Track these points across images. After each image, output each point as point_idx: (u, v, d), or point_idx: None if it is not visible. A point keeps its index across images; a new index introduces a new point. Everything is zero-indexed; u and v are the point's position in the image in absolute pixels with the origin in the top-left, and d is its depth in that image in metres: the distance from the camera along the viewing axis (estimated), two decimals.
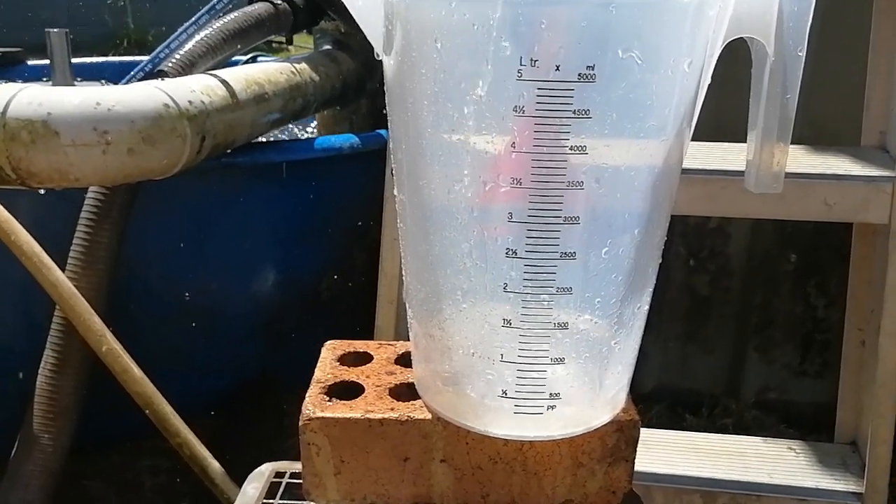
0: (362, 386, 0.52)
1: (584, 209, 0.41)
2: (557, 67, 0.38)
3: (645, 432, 0.49)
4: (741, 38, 0.43)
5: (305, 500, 0.51)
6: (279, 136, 1.83)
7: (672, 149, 0.42)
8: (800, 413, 1.37)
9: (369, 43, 0.44)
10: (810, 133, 1.11)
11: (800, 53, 0.43)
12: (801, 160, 0.95)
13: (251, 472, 0.74)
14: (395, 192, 0.47)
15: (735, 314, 1.39)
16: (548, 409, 0.45)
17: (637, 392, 0.50)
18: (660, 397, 1.41)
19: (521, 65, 0.37)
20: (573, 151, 0.39)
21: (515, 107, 0.38)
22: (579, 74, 0.38)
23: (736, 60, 0.48)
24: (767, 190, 0.47)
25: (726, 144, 1.00)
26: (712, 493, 0.95)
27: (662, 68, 0.40)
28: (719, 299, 1.39)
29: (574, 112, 0.38)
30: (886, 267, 0.90)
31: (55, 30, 1.27)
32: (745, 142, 0.46)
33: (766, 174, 0.46)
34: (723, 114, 0.88)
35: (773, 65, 0.43)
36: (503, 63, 0.38)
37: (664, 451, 1.01)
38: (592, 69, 0.38)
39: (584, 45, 0.38)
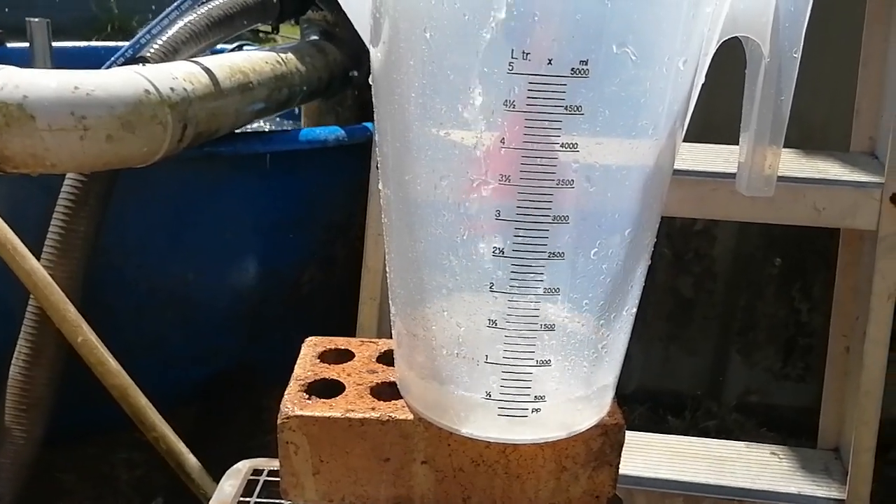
0: (343, 384, 0.51)
1: (574, 208, 0.40)
2: (550, 61, 0.37)
3: (627, 435, 0.49)
4: (736, 37, 0.43)
5: (283, 499, 0.50)
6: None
7: (664, 149, 0.42)
8: (781, 417, 1.38)
9: (357, 34, 0.43)
10: (798, 136, 1.10)
11: (795, 55, 0.42)
12: (791, 164, 0.95)
13: (228, 467, 0.72)
14: (380, 187, 0.46)
15: (718, 316, 1.39)
16: (532, 411, 0.44)
17: (619, 393, 0.49)
18: (642, 399, 1.41)
19: (512, 57, 0.36)
20: (564, 149, 0.38)
21: (506, 101, 0.37)
22: (572, 69, 0.37)
23: (727, 60, 0.47)
24: (759, 193, 0.46)
25: (716, 146, 0.99)
26: (695, 497, 0.94)
27: (657, 65, 0.39)
28: (703, 301, 1.39)
29: (566, 108, 0.37)
30: (873, 274, 0.90)
31: (36, 19, 1.25)
32: (735, 143, 0.45)
33: (758, 177, 0.46)
34: (712, 114, 0.88)
35: (767, 65, 0.43)
36: (494, 55, 0.37)
37: (647, 454, 1.01)
38: (586, 64, 0.37)
39: (577, 39, 0.37)
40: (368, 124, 1.30)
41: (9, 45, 1.75)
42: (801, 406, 1.33)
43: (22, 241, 0.97)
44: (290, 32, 1.63)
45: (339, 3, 0.43)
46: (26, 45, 1.28)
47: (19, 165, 0.78)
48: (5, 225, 0.97)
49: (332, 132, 1.24)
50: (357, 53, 1.40)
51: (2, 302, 1.10)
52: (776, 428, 1.36)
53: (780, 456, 1.03)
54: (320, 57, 1.33)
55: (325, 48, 1.37)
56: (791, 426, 1.32)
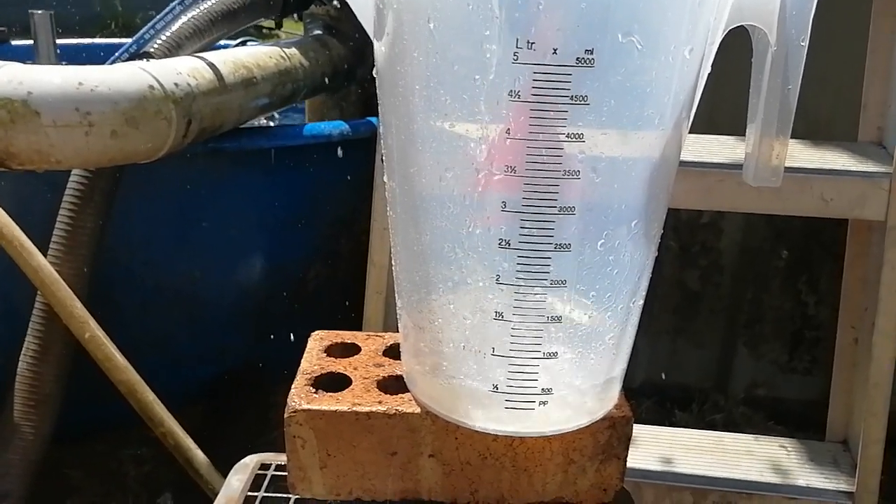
0: (349, 378, 0.50)
1: (580, 199, 0.40)
2: (555, 51, 0.36)
3: (634, 428, 0.49)
4: (741, 26, 0.42)
5: (290, 493, 0.50)
6: None
7: (670, 139, 0.41)
8: (787, 410, 1.37)
9: (360, 28, 0.43)
10: (804, 130, 1.10)
11: (802, 43, 0.42)
12: (798, 155, 0.94)
13: (236, 463, 0.72)
14: (385, 180, 0.45)
15: (725, 309, 1.39)
16: (539, 404, 0.44)
17: (625, 386, 0.49)
18: (649, 392, 1.41)
19: (517, 47, 0.36)
20: (570, 139, 0.38)
21: (511, 91, 0.37)
22: (577, 59, 0.36)
23: (732, 50, 0.47)
24: (766, 183, 0.46)
25: (723, 137, 0.99)
26: (703, 490, 0.94)
27: (662, 55, 0.38)
28: (710, 294, 1.38)
29: (571, 98, 0.37)
30: (882, 264, 0.89)
31: (39, 11, 1.25)
32: (741, 134, 0.45)
33: (765, 167, 0.45)
34: (718, 104, 0.87)
35: (774, 54, 0.42)
36: (498, 45, 0.36)
37: (655, 448, 1.01)
38: (591, 53, 0.36)
39: (583, 28, 0.36)
40: (373, 119, 1.30)
41: (13, 42, 1.76)
42: (808, 399, 1.33)
43: (28, 237, 0.97)
44: (293, 28, 1.63)
45: None
46: (30, 42, 1.28)
47: (24, 162, 0.78)
48: (12, 222, 0.97)
49: (336, 127, 1.24)
50: (361, 48, 1.40)
51: (9, 299, 1.10)
52: (783, 421, 1.35)
53: (789, 449, 1.03)
54: (324, 52, 1.32)
55: (329, 43, 1.37)
56: (798, 419, 1.32)
